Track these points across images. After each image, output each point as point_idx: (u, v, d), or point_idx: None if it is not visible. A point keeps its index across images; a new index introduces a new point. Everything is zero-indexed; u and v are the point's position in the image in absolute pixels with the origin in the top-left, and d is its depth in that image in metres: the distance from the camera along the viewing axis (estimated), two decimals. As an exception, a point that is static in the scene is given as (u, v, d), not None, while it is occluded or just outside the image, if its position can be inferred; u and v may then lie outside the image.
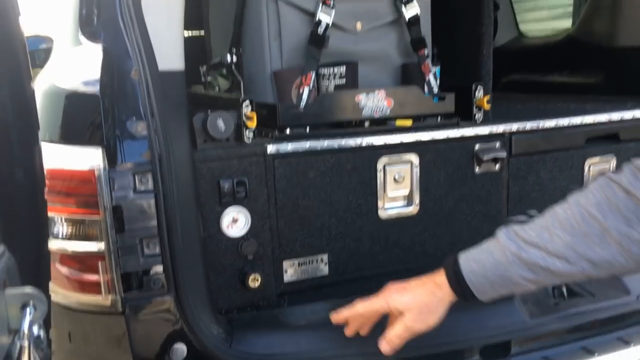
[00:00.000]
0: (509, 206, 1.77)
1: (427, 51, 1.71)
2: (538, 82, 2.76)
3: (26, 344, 0.73)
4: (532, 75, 2.83)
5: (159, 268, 1.29)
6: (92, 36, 1.30)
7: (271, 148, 1.50)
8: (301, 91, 1.58)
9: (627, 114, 1.86)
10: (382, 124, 1.68)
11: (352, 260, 1.61)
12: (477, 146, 1.70)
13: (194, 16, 1.99)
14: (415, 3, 1.69)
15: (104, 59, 1.25)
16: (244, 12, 1.70)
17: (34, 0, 1.72)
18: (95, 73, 1.26)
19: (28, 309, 0.74)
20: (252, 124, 1.50)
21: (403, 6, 1.69)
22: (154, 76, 1.28)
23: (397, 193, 1.65)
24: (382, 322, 1.27)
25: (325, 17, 1.60)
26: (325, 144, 1.55)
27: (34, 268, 0.89)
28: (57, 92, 1.31)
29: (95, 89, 1.26)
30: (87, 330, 1.35)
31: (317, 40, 1.60)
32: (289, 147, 1.52)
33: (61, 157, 1.25)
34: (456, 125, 1.71)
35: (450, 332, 1.42)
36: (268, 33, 1.63)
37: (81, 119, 1.28)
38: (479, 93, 1.75)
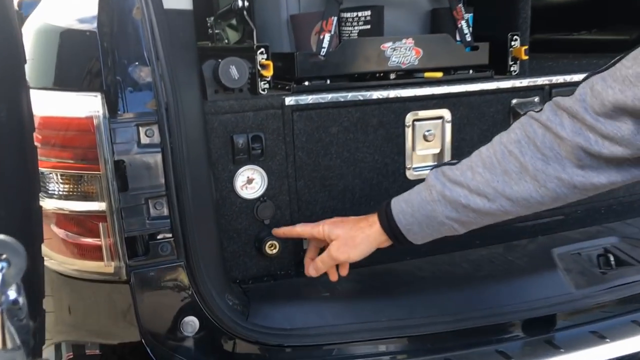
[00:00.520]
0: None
1: (459, -6, 1.55)
2: (564, 41, 2.58)
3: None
4: (557, 34, 2.65)
5: (167, 232, 1.15)
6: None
7: (290, 100, 1.34)
8: (322, 37, 1.42)
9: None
10: (408, 77, 1.52)
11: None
12: (514, 101, 1.55)
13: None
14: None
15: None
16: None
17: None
18: (93, 10, 1.11)
19: (-1, 265, 0.58)
20: (268, 73, 1.35)
21: (433, -57, 1.52)
22: (158, 15, 1.13)
23: (427, 152, 1.50)
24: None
25: (348, -45, 1.44)
26: (349, 95, 1.39)
27: (23, 225, 0.74)
28: (50, 29, 1.15)
29: (92, 26, 1.10)
30: (88, 301, 1.21)
31: (338, -20, 1.44)
32: (309, 98, 1.36)
33: (55, 105, 1.10)
34: (490, 78, 1.56)
35: (490, 304, 1.30)
36: (284, -28, 1.47)
37: (77, 60, 1.13)
38: (516, 43, 1.59)
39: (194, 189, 1.16)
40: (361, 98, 1.40)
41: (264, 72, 1.35)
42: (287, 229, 1.32)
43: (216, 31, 1.87)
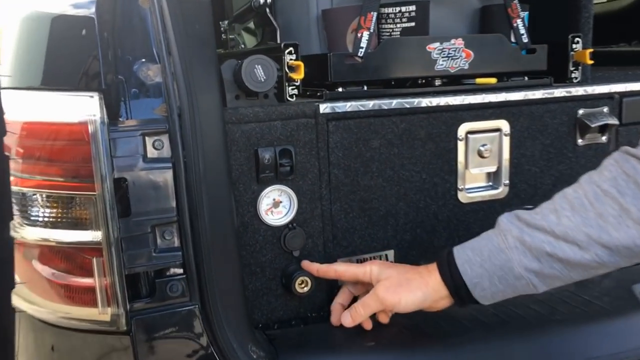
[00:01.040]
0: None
1: (514, -10, 1.35)
2: (604, 53, 2.38)
3: None
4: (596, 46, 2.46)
5: (178, 267, 0.95)
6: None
7: (324, 107, 1.13)
8: (359, 35, 1.21)
9: None
10: (455, 83, 1.31)
11: (424, 257, 1.24)
12: (580, 111, 1.33)
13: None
14: None
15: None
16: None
17: None
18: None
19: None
20: (298, 76, 1.14)
21: None
22: (171, 2, 0.94)
23: (481, 169, 1.28)
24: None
25: (389, -59, 1.24)
26: (393, 103, 1.18)
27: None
28: (38, 16, 0.95)
29: (90, 11, 0.90)
30: (79, 354, 0.98)
31: (378, -29, 1.23)
32: (347, 106, 1.15)
33: (41, 107, 0.89)
34: (549, 85, 1.35)
35: (573, 355, 1.06)
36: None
37: (70, 54, 0.92)
38: (578, 45, 1.38)
39: (211, 214, 0.95)
40: (407, 106, 1.19)
41: (293, 75, 1.14)
42: (324, 267, 1.12)
43: (230, 37, 1.67)
